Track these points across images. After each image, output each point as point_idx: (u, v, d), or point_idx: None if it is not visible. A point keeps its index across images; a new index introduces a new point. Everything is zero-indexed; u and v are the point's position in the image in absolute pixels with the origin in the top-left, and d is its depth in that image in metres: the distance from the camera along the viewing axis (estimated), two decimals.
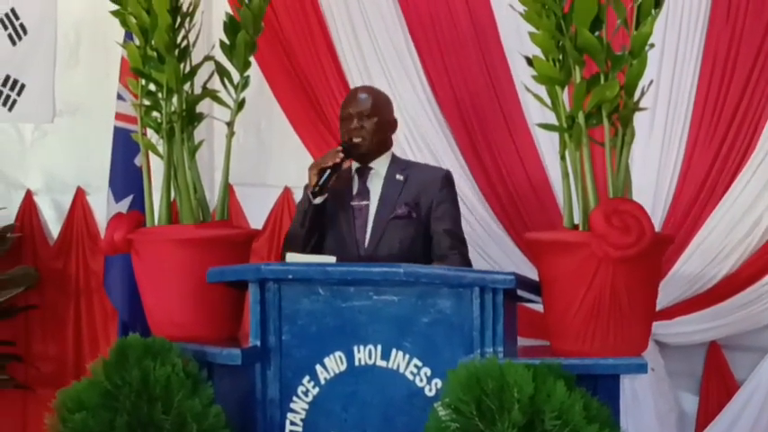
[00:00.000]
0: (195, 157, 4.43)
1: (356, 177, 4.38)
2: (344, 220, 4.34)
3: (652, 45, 3.81)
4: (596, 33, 3.75)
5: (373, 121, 4.37)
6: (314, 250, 4.28)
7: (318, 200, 4.25)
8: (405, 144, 5.07)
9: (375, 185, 4.38)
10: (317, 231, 4.32)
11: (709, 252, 4.79)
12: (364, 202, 4.36)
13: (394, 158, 4.46)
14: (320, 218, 4.29)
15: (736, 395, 4.90)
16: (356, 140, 4.31)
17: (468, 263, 4.36)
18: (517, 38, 4.80)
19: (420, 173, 4.45)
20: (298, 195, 5.45)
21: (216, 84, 4.54)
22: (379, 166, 4.39)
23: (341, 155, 4.25)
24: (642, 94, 3.88)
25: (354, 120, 4.34)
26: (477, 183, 5.00)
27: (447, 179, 4.44)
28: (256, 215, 5.61)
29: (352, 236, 4.32)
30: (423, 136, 5.07)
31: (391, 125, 4.49)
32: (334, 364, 3.84)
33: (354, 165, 4.41)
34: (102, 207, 5.77)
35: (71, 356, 6.10)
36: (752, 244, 4.76)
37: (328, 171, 4.23)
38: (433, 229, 4.33)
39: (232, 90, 4.47)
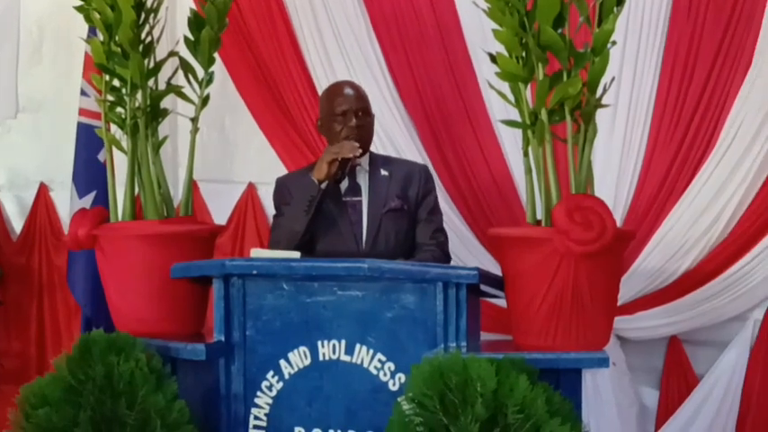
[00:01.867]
0: (159, 153, 4.41)
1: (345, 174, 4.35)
2: (338, 215, 4.31)
3: (614, 42, 3.82)
4: (559, 31, 3.75)
5: (368, 119, 4.39)
6: (307, 251, 4.24)
7: (323, 185, 4.21)
8: None
9: (363, 182, 4.37)
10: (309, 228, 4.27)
11: (670, 248, 4.83)
12: (357, 198, 4.34)
13: (371, 154, 4.45)
14: (320, 206, 4.25)
15: (696, 389, 4.94)
16: (360, 137, 4.28)
17: (445, 251, 4.39)
18: (480, 35, 4.82)
19: (402, 167, 4.46)
20: (262, 191, 5.50)
21: (180, 80, 4.51)
22: (364, 162, 4.38)
23: (359, 150, 4.22)
24: (604, 91, 3.88)
25: (354, 117, 4.31)
26: (441, 178, 5.01)
27: (428, 172, 4.50)
28: (220, 211, 5.62)
29: (350, 232, 4.30)
30: (387, 133, 5.07)
31: (373, 122, 4.50)
32: (298, 359, 3.84)
33: None
34: (66, 203, 5.76)
35: (34, 352, 6.09)
36: (712, 239, 4.79)
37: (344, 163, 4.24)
38: (417, 218, 4.37)
39: (196, 86, 4.45)
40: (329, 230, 4.29)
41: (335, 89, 4.47)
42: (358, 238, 4.30)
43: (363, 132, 4.34)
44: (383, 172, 4.39)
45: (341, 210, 4.32)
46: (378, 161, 4.44)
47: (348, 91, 4.41)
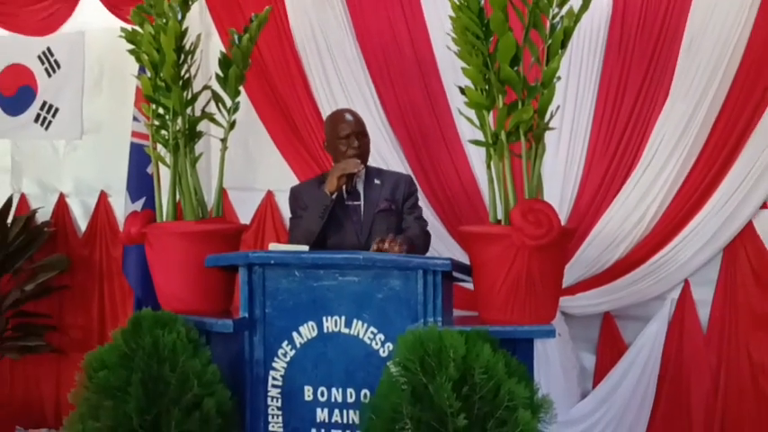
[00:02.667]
0: (196, 167, 4.41)
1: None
2: (344, 217, 4.29)
3: (559, 78, 3.83)
4: (515, 68, 3.76)
5: (365, 140, 4.37)
6: (321, 246, 4.23)
7: (334, 196, 4.21)
8: None
9: (361, 189, 4.35)
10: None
11: (605, 241, 4.82)
12: (356, 202, 4.33)
13: (367, 167, 4.41)
14: (331, 211, 4.25)
15: (625, 355, 4.93)
16: (358, 154, 4.29)
17: (425, 233, 4.37)
18: (453, 72, 4.80)
19: (391, 176, 4.45)
20: (279, 198, 5.50)
21: (212, 108, 4.51)
22: (362, 173, 4.36)
23: (361, 166, 4.25)
24: (551, 116, 3.89)
25: (355, 140, 4.31)
26: (421, 186, 4.96)
27: (411, 179, 4.50)
28: (245, 213, 5.60)
29: (352, 229, 4.28)
30: (378, 150, 5.03)
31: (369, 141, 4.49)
32: (307, 331, 3.84)
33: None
34: (121, 207, 5.75)
35: (96, 326, 6.09)
36: (638, 235, 4.79)
37: (349, 177, 4.26)
38: (404, 212, 4.36)
39: (225, 113, 4.44)
40: (338, 229, 4.28)
41: (338, 116, 4.45)
42: (358, 233, 4.28)
43: (363, 151, 4.33)
44: (376, 181, 4.38)
45: (345, 212, 4.31)
46: (372, 172, 4.43)
47: (349, 117, 4.39)
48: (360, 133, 4.34)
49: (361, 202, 4.34)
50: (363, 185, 4.36)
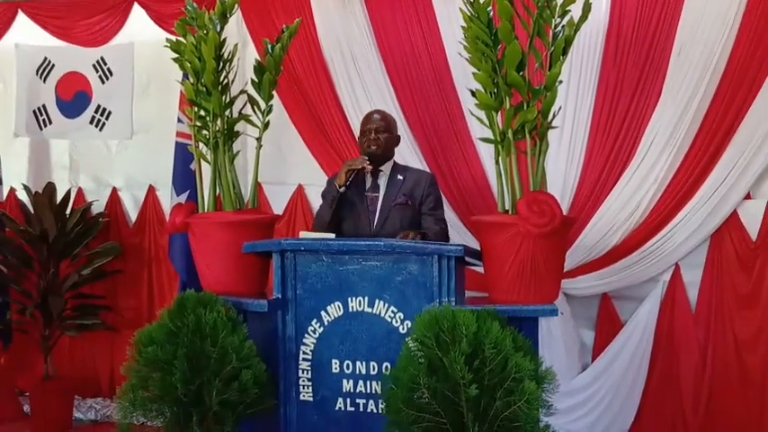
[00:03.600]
0: (233, 163, 4.42)
1: (370, 176, 4.33)
2: (361, 206, 4.29)
3: (560, 81, 3.82)
4: (521, 73, 3.76)
5: (385, 135, 4.34)
6: (336, 228, 4.23)
7: (342, 189, 4.22)
8: None
9: (383, 182, 4.34)
10: (338, 212, 4.26)
11: (603, 229, 4.80)
12: (375, 194, 4.31)
13: (394, 163, 4.42)
14: (342, 201, 4.25)
15: (621, 331, 4.92)
16: (373, 148, 4.28)
17: (445, 234, 4.33)
18: (464, 77, 4.80)
19: (413, 174, 4.42)
20: (309, 191, 5.52)
21: (248, 110, 4.52)
22: (386, 168, 4.35)
23: (368, 163, 4.23)
24: (554, 116, 3.89)
25: (373, 133, 4.31)
26: None
27: (433, 178, 4.44)
28: (278, 205, 5.60)
29: (366, 218, 4.28)
30: (397, 148, 5.04)
31: (396, 139, 4.45)
32: (334, 310, 3.84)
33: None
34: (167, 199, 5.77)
35: (145, 307, 6.11)
36: (632, 224, 4.76)
37: (355, 172, 4.24)
38: (422, 211, 4.31)
39: (260, 115, 4.45)
40: (352, 215, 4.29)
41: (367, 115, 4.45)
42: (371, 222, 4.27)
43: (380, 145, 4.31)
44: (399, 177, 4.36)
45: (362, 201, 4.31)
46: (398, 168, 4.41)
47: (375, 116, 4.39)
48: (378, 129, 4.33)
49: (380, 194, 4.33)
50: (387, 179, 4.35)
